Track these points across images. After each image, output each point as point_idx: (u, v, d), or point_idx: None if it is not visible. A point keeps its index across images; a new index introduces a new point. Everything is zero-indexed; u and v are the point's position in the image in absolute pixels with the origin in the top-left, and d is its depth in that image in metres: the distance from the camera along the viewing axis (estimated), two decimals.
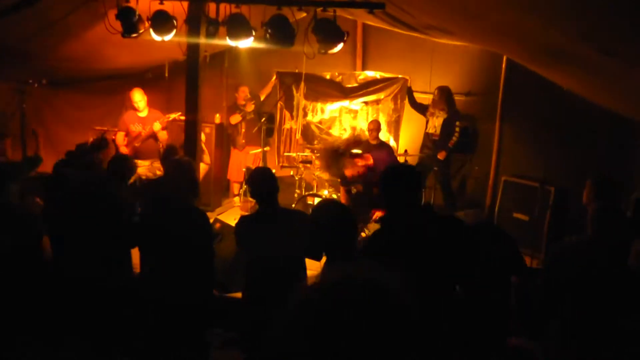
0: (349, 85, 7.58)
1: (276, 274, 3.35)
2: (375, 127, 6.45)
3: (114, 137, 6.96)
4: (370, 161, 5.64)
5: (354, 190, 5.72)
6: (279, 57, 7.52)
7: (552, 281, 3.31)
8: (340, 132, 7.77)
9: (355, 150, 5.73)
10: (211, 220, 5.50)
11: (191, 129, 5.34)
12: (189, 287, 3.39)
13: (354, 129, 7.62)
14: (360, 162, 5.55)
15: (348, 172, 5.54)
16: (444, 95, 6.68)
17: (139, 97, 6.69)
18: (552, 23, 3.68)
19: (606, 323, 2.96)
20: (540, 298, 3.42)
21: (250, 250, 3.56)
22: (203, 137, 6.70)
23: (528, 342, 3.36)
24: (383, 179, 2.79)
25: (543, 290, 3.39)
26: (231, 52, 7.65)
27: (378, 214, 5.46)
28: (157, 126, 6.65)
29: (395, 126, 7.43)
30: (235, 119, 7.68)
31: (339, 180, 5.86)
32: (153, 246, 3.46)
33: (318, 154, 6.46)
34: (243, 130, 7.74)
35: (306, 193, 6.66)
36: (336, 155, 5.57)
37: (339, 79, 7.61)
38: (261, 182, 3.56)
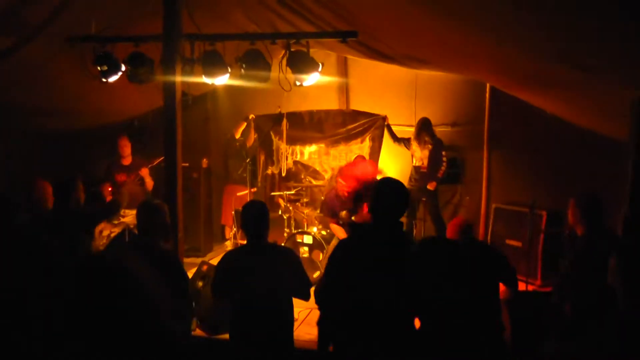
0: (328, 127, 7.44)
1: (261, 309, 3.33)
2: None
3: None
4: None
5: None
6: (260, 98, 7.48)
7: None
8: (322, 174, 7.70)
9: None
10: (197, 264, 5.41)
11: (171, 171, 4.85)
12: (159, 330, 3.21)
13: (333, 169, 7.47)
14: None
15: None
16: (424, 127, 6.68)
17: (124, 143, 6.78)
18: (525, 48, 3.71)
19: None
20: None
21: (235, 283, 3.44)
22: None
23: None
24: None
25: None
26: (214, 95, 7.66)
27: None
28: (145, 171, 6.68)
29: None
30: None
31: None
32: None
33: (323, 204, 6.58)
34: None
35: (295, 231, 6.55)
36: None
37: (317, 116, 7.45)
38: (254, 216, 3.50)
